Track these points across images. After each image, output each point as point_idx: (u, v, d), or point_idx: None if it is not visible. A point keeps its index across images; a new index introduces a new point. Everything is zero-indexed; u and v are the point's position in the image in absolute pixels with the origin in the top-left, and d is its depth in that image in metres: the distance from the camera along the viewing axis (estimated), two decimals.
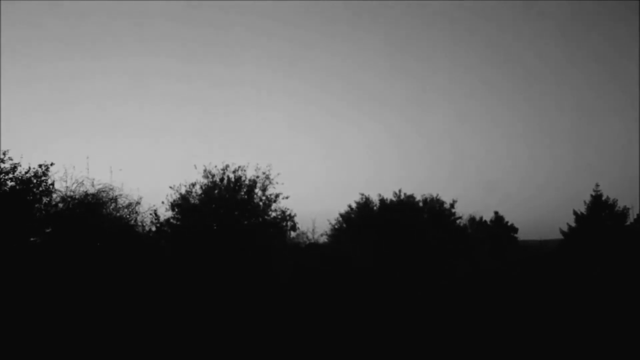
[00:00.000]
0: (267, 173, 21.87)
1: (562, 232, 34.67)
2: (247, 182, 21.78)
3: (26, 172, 14.94)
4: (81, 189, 16.43)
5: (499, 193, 73.13)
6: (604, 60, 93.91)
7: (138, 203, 18.14)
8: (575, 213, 33.75)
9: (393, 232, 32.44)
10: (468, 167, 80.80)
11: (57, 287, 13.28)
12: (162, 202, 20.78)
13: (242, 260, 19.30)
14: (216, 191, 21.39)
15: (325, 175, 76.01)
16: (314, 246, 27.08)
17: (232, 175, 21.66)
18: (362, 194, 36.24)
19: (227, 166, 21.69)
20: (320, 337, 10.74)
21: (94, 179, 16.75)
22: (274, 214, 22.17)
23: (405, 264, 28.25)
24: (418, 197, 36.80)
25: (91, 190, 16.63)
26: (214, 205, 21.12)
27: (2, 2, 55.07)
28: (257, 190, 21.91)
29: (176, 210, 20.93)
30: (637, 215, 32.35)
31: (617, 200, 32.68)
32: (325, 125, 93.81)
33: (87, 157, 16.61)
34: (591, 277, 24.16)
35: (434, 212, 36.49)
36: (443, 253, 31.43)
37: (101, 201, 16.82)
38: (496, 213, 46.35)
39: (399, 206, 35.55)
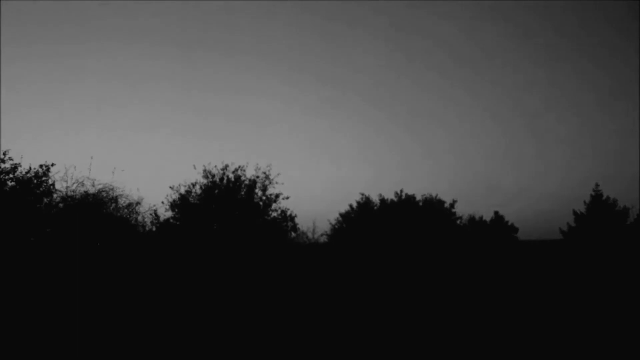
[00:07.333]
0: (267, 173, 21.93)
1: (562, 232, 34.62)
2: (247, 182, 21.78)
3: (27, 173, 14.94)
4: (81, 189, 16.45)
5: (499, 193, 73.07)
6: (604, 59, 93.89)
7: (138, 203, 18.21)
8: (575, 213, 33.69)
9: (393, 231, 32.52)
10: (469, 167, 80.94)
11: (57, 287, 13.34)
12: (162, 202, 20.89)
13: (242, 260, 19.34)
14: (216, 191, 21.38)
15: (326, 175, 76.07)
16: (314, 246, 27.13)
17: (231, 175, 21.68)
18: (363, 194, 36.36)
19: (226, 166, 21.74)
20: (320, 336, 10.78)
21: (94, 179, 16.79)
22: (274, 214, 22.17)
23: (404, 263, 28.31)
24: (418, 197, 36.91)
25: (91, 190, 16.64)
26: (213, 205, 21.12)
27: (2, 1, 55.10)
28: (257, 190, 21.91)
29: (176, 210, 20.95)
30: (637, 215, 32.26)
31: (617, 200, 32.65)
32: (327, 126, 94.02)
33: (92, 157, 16.64)
34: (591, 277, 24.18)
35: (434, 212, 36.47)
36: (442, 252, 31.52)
37: (101, 201, 16.84)
38: (496, 213, 46.08)
39: (399, 206, 35.58)
